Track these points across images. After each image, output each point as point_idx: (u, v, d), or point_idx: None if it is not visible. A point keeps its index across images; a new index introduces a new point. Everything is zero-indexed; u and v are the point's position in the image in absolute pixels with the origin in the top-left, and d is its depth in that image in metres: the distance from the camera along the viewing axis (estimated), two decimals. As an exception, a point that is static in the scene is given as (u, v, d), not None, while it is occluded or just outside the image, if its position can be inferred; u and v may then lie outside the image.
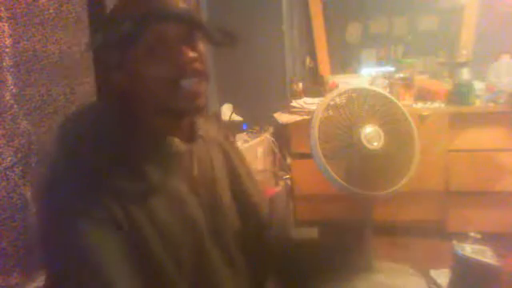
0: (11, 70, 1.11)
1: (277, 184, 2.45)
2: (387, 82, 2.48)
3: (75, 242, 0.62)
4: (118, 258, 0.63)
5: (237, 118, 2.57)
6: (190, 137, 0.78)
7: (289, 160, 2.53)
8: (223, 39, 0.75)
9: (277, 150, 2.49)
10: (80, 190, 0.63)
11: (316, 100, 2.41)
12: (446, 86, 2.40)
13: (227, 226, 0.81)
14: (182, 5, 0.71)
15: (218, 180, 0.82)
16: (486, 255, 0.92)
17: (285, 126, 2.46)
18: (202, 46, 0.73)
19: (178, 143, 0.73)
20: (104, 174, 0.65)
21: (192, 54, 0.70)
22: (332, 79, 2.70)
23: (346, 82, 2.51)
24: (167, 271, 0.67)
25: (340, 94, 1.75)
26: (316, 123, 1.68)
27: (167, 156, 0.73)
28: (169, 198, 0.70)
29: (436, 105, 2.32)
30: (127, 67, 0.70)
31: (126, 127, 0.71)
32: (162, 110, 0.72)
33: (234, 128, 2.40)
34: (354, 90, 1.76)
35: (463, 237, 0.98)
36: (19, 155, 1.11)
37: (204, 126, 0.83)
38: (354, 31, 2.90)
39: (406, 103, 2.27)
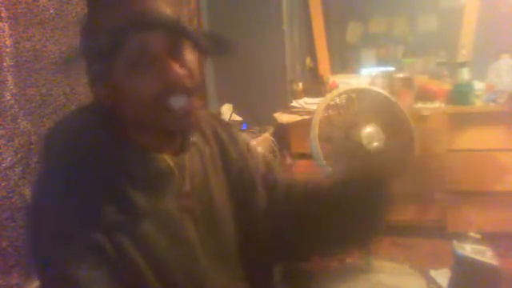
0: (11, 69, 1.11)
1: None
2: (387, 81, 2.48)
3: (62, 276, 0.59)
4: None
5: (237, 117, 2.56)
6: (182, 148, 0.73)
7: (289, 160, 2.53)
8: (214, 48, 0.68)
9: (277, 150, 2.49)
10: (64, 220, 0.60)
11: (316, 100, 2.41)
12: (446, 85, 2.40)
13: (225, 239, 0.77)
14: (166, 11, 0.62)
15: (213, 190, 0.77)
16: (485, 255, 0.92)
17: (285, 126, 2.46)
18: (191, 56, 0.66)
19: (166, 159, 0.69)
20: (89, 202, 0.61)
21: (179, 70, 0.62)
22: (332, 79, 2.70)
23: (346, 82, 2.51)
24: None
25: (340, 94, 1.75)
26: (316, 123, 1.68)
27: (155, 174, 0.68)
28: (158, 219, 0.66)
29: (436, 105, 2.32)
30: (109, 82, 0.63)
31: (111, 144, 0.66)
32: (148, 129, 0.67)
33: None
34: (354, 90, 1.76)
35: (463, 237, 0.98)
36: (19, 155, 1.11)
37: (200, 125, 0.79)
38: (354, 31, 2.89)
39: (406, 103, 2.26)
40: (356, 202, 0.78)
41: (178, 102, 0.63)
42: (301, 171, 2.44)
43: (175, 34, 0.63)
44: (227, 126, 0.90)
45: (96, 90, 0.67)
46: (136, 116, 0.65)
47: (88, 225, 0.60)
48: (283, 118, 2.44)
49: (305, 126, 1.83)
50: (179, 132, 0.70)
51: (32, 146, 1.15)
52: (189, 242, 0.70)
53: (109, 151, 0.65)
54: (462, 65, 2.27)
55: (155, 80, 0.62)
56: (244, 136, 0.90)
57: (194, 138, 0.75)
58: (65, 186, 0.62)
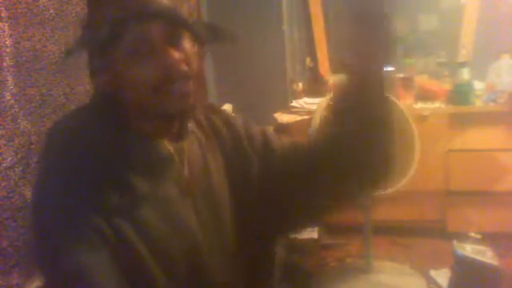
0: (11, 69, 1.11)
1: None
2: (387, 82, 2.48)
3: (64, 262, 0.60)
4: (108, 274, 0.61)
5: (237, 117, 2.56)
6: (181, 134, 0.74)
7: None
8: (211, 36, 0.70)
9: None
10: (65, 208, 0.62)
11: (316, 100, 2.41)
12: (445, 85, 2.40)
13: (224, 223, 0.78)
14: (164, 2, 0.65)
15: (212, 175, 0.78)
16: (485, 255, 0.92)
17: (285, 126, 2.46)
18: (188, 44, 0.68)
19: (166, 145, 0.71)
20: (89, 188, 0.63)
21: (177, 55, 0.65)
22: (332, 79, 2.69)
23: (346, 82, 2.50)
24: (160, 283, 0.65)
25: (340, 94, 1.75)
26: (316, 123, 1.68)
27: (156, 160, 0.70)
28: (159, 205, 0.68)
29: (436, 105, 2.32)
30: (110, 71, 0.66)
31: (111, 132, 0.68)
32: (148, 114, 0.69)
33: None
34: (354, 90, 1.76)
35: (463, 237, 0.98)
36: (19, 155, 1.11)
37: (198, 115, 0.80)
38: (354, 31, 2.89)
39: (406, 103, 2.27)
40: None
41: (175, 86, 0.66)
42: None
43: (173, 23, 0.66)
44: (221, 111, 0.91)
45: (97, 80, 0.69)
46: (136, 102, 0.67)
47: (89, 210, 0.62)
48: (283, 117, 2.44)
49: (305, 125, 1.83)
50: (178, 115, 0.71)
51: (32, 146, 1.15)
52: (189, 227, 0.71)
53: (109, 138, 0.67)
54: (462, 65, 2.27)
55: (154, 66, 0.64)
56: (239, 119, 0.89)
57: (192, 125, 0.77)
58: (66, 173, 0.64)
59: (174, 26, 0.66)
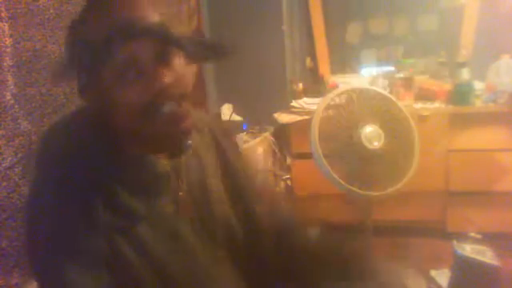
0: (11, 69, 1.11)
1: (277, 184, 2.45)
2: (387, 81, 2.48)
3: (58, 280, 0.59)
4: None
5: (237, 117, 2.57)
6: (178, 152, 0.71)
7: (289, 160, 2.53)
8: (204, 54, 0.66)
9: (277, 150, 2.49)
10: (60, 223, 0.60)
11: (316, 100, 2.41)
12: (446, 86, 2.40)
13: (224, 241, 0.77)
14: (154, 18, 0.61)
15: (210, 191, 0.77)
16: (485, 255, 0.92)
17: (285, 126, 2.46)
18: (179, 62, 0.64)
19: (161, 163, 0.69)
20: (85, 204, 0.61)
21: (168, 77, 0.61)
22: (332, 79, 2.70)
23: (346, 82, 2.51)
24: None
25: (340, 94, 1.75)
26: (316, 123, 1.68)
27: (152, 178, 0.68)
28: (155, 224, 0.66)
29: (436, 105, 2.32)
30: (98, 91, 0.63)
31: (107, 148, 0.65)
32: (139, 136, 0.65)
33: (234, 128, 2.40)
34: (354, 90, 1.76)
35: (463, 237, 0.98)
36: (19, 155, 1.11)
37: (198, 125, 0.79)
38: (354, 31, 2.89)
39: (406, 103, 2.27)
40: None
41: (166, 109, 0.62)
42: (301, 171, 2.44)
43: (162, 41, 0.62)
44: (227, 132, 0.91)
45: (86, 97, 0.66)
46: (126, 123, 0.64)
47: (84, 228, 0.60)
48: (283, 117, 2.44)
49: (305, 125, 1.83)
50: (172, 137, 0.67)
51: (32, 146, 1.15)
52: (186, 245, 0.69)
53: (104, 156, 0.65)
54: (462, 65, 2.27)
55: (143, 89, 0.61)
56: (241, 147, 0.90)
57: (191, 141, 0.74)
58: (60, 190, 0.61)
59: (165, 44, 0.62)
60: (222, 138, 0.85)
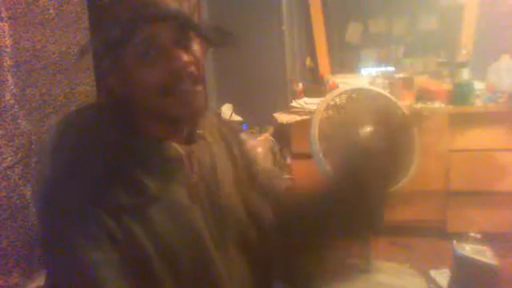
0: (11, 69, 1.11)
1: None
2: (387, 81, 2.48)
3: (72, 259, 0.61)
4: (115, 273, 0.61)
5: (237, 117, 2.57)
6: (190, 138, 0.75)
7: (289, 160, 2.53)
8: (219, 39, 0.71)
9: (277, 150, 2.49)
10: (75, 204, 0.62)
11: (316, 100, 2.41)
12: (445, 85, 2.40)
13: (231, 229, 0.78)
14: (173, 4, 0.66)
15: (220, 180, 0.79)
16: (485, 255, 0.92)
17: (285, 126, 2.46)
18: (196, 47, 0.69)
19: (175, 148, 0.71)
20: (100, 187, 0.63)
21: (186, 58, 0.66)
22: (332, 79, 2.70)
23: (345, 82, 2.51)
24: (167, 283, 0.66)
25: (340, 94, 1.76)
26: (316, 123, 1.68)
27: (165, 162, 0.70)
28: (167, 207, 0.68)
29: (436, 105, 2.32)
30: (119, 72, 0.67)
31: (121, 134, 0.68)
32: (157, 117, 0.69)
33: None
34: (354, 90, 1.76)
35: (463, 237, 0.98)
36: (19, 155, 1.11)
37: (209, 123, 0.81)
38: (354, 31, 2.89)
39: (406, 103, 2.27)
40: (348, 209, 0.79)
41: (184, 89, 0.66)
42: (301, 171, 2.44)
43: (182, 25, 0.66)
44: (231, 126, 0.93)
45: (107, 82, 0.69)
46: (145, 104, 0.67)
47: (98, 208, 0.62)
48: (283, 117, 2.44)
49: (305, 125, 1.83)
50: (187, 118, 0.71)
51: (32, 146, 1.15)
52: (196, 230, 0.71)
53: (120, 139, 0.67)
54: (462, 65, 2.27)
55: (163, 68, 0.65)
56: (245, 139, 0.92)
57: (202, 131, 0.77)
58: (75, 170, 0.64)
59: (184, 28, 0.66)
60: (231, 136, 0.87)
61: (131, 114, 0.70)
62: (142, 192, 0.66)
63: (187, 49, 0.67)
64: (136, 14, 0.63)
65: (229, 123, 0.96)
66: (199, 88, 0.69)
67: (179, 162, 0.72)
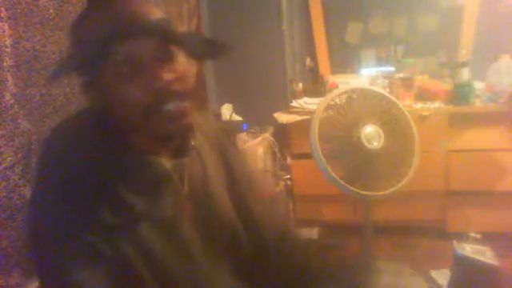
0: (11, 70, 1.11)
1: (277, 184, 2.45)
2: (387, 81, 2.48)
3: (58, 276, 0.59)
4: None
5: (237, 118, 2.57)
6: (181, 151, 0.72)
7: (289, 160, 2.53)
8: (206, 51, 0.67)
9: (277, 150, 2.49)
10: (62, 225, 0.60)
11: (316, 100, 2.41)
12: (445, 85, 2.40)
13: (225, 242, 0.77)
14: (152, 16, 0.61)
15: (212, 192, 0.77)
16: (485, 255, 0.92)
17: (285, 126, 2.46)
18: (182, 60, 0.64)
19: (163, 163, 0.68)
20: (85, 206, 0.61)
21: (167, 76, 0.61)
22: (332, 79, 2.70)
23: (346, 82, 2.51)
24: None
25: (340, 94, 1.76)
26: (316, 123, 1.68)
27: (153, 178, 0.67)
28: (156, 224, 0.66)
29: (436, 105, 2.32)
30: (99, 89, 0.63)
31: (109, 149, 0.65)
32: (142, 132, 0.66)
33: (234, 128, 2.40)
34: (354, 90, 1.76)
35: (463, 237, 0.98)
36: (19, 155, 1.11)
37: (202, 130, 0.79)
38: (353, 31, 2.89)
39: (406, 103, 2.27)
40: None
41: (168, 107, 0.62)
42: (301, 171, 2.44)
43: (162, 39, 0.62)
44: (227, 131, 0.91)
45: (88, 97, 0.66)
46: (128, 122, 0.64)
47: (86, 227, 0.60)
48: (283, 117, 2.44)
49: (305, 126, 1.83)
50: (172, 136, 0.68)
51: (32, 146, 1.15)
52: (187, 246, 0.69)
53: (106, 155, 0.65)
54: (462, 65, 2.27)
55: (144, 87, 0.61)
56: (241, 151, 0.91)
57: (194, 141, 0.75)
58: (63, 188, 0.62)
59: (166, 42, 0.62)
60: (227, 143, 0.86)
61: (116, 131, 0.66)
62: (130, 210, 0.64)
63: (170, 63, 0.63)
64: (113, 30, 0.59)
65: (224, 127, 0.93)
66: (185, 104, 0.65)
67: (167, 177, 0.69)
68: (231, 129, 2.31)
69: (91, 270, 0.59)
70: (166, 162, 0.70)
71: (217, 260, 0.74)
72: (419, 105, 2.35)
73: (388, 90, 2.34)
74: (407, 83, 2.39)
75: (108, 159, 0.65)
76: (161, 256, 0.65)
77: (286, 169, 2.52)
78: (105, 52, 0.59)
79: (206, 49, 0.67)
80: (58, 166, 0.64)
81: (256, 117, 2.57)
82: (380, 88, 2.18)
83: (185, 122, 0.66)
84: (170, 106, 0.62)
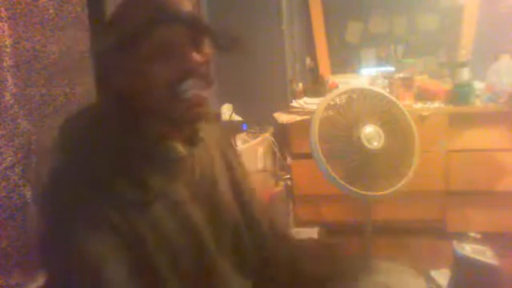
0: (11, 70, 1.11)
1: (277, 184, 2.45)
2: (387, 81, 2.48)
3: (75, 251, 0.61)
4: (118, 266, 0.62)
5: (237, 118, 2.57)
6: (192, 140, 0.76)
7: (289, 160, 2.53)
8: (229, 45, 0.73)
9: (277, 150, 2.49)
10: (80, 199, 0.63)
11: (316, 100, 2.41)
12: (445, 85, 2.40)
13: (230, 229, 0.80)
14: (187, 8, 0.69)
15: (219, 183, 0.81)
16: (485, 255, 0.92)
17: (285, 126, 2.46)
18: (208, 51, 0.71)
19: (178, 148, 0.72)
20: (104, 182, 0.64)
21: (199, 58, 0.68)
22: (332, 79, 2.70)
23: (346, 82, 2.51)
24: (168, 279, 0.67)
25: (340, 94, 1.76)
26: (316, 123, 1.68)
27: (168, 161, 0.72)
28: (169, 204, 0.69)
29: (436, 105, 2.32)
30: (129, 69, 0.68)
31: (126, 132, 0.69)
32: (162, 116, 0.70)
33: (234, 128, 2.40)
34: (354, 90, 1.76)
35: (463, 237, 0.98)
36: (19, 155, 1.11)
37: (206, 128, 0.82)
38: (354, 31, 2.89)
39: (406, 103, 2.27)
40: None
41: (192, 87, 0.68)
42: (301, 171, 2.44)
43: (195, 28, 0.69)
44: (227, 133, 0.96)
45: (113, 81, 0.70)
46: (152, 103, 0.68)
47: (104, 201, 0.63)
48: (283, 117, 2.44)
49: (305, 126, 1.83)
50: (190, 120, 0.72)
51: (32, 146, 1.15)
52: (197, 228, 0.72)
53: (123, 139, 0.69)
54: (462, 65, 2.27)
55: (176, 66, 0.67)
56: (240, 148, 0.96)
57: (202, 134, 0.79)
58: (83, 167, 0.65)
59: (198, 31, 0.69)
60: (227, 144, 0.91)
61: (135, 114, 0.70)
62: (146, 189, 0.67)
63: (199, 51, 0.69)
64: (153, 15, 0.65)
65: (224, 128, 0.99)
66: (206, 92, 0.70)
67: (181, 161, 0.73)
68: (231, 129, 2.30)
69: (107, 242, 0.62)
70: (180, 149, 0.73)
71: (222, 245, 0.77)
72: (419, 105, 2.34)
73: (388, 90, 2.34)
74: (407, 83, 2.39)
75: (126, 141, 0.69)
76: (172, 237, 0.68)
77: (286, 169, 2.52)
78: (146, 32, 0.65)
79: (228, 42, 0.72)
80: (76, 147, 0.68)
81: (256, 117, 2.57)
82: (380, 88, 2.18)
83: (202, 110, 0.70)
84: (191, 91, 0.68)
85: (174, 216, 0.69)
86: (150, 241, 0.65)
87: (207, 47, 0.71)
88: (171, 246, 0.68)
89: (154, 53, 0.66)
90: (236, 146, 0.82)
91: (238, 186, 0.87)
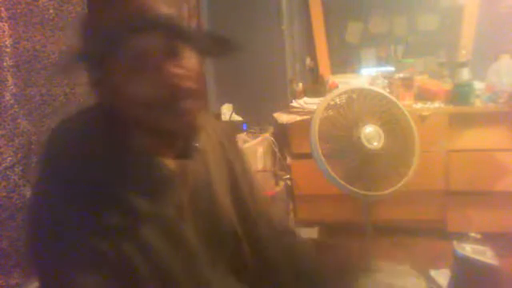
0: (11, 70, 1.11)
1: (277, 184, 2.45)
2: (387, 81, 2.48)
3: (60, 279, 0.59)
4: None
5: (237, 117, 2.57)
6: (185, 152, 0.71)
7: (289, 160, 2.53)
8: (216, 48, 0.66)
9: (277, 150, 2.49)
10: (64, 223, 0.59)
11: (316, 100, 2.41)
12: (445, 85, 2.40)
13: (227, 246, 0.77)
14: (164, 11, 0.60)
15: (216, 192, 0.76)
16: (485, 255, 0.92)
17: (285, 126, 2.46)
18: (193, 57, 0.63)
19: (167, 164, 0.68)
20: (89, 208, 0.59)
21: (178, 71, 0.60)
22: (332, 79, 2.70)
23: (346, 82, 2.51)
24: None
25: (340, 94, 1.76)
26: (316, 123, 1.69)
27: (156, 179, 0.66)
28: (159, 226, 0.65)
29: (436, 105, 2.32)
30: (108, 84, 0.62)
31: (113, 148, 0.64)
32: (149, 130, 0.64)
33: (234, 128, 2.40)
34: (354, 90, 1.76)
35: (463, 237, 0.98)
36: (19, 155, 1.11)
37: (205, 127, 0.78)
38: (354, 31, 2.90)
39: (406, 103, 2.27)
40: None
41: (178, 104, 0.61)
42: (301, 171, 2.44)
43: (174, 35, 0.60)
44: (228, 131, 0.90)
45: (96, 92, 0.65)
46: (136, 118, 0.63)
47: (88, 229, 0.59)
48: (283, 118, 2.44)
49: (305, 126, 1.83)
50: (180, 134, 0.68)
51: (32, 146, 1.15)
52: (189, 248, 0.69)
53: (110, 155, 0.64)
54: (462, 65, 2.27)
55: (154, 83, 0.60)
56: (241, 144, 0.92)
57: (198, 143, 0.73)
58: (65, 189, 0.60)
59: (175, 37, 0.61)
60: (228, 143, 0.85)
61: (121, 128, 0.65)
62: (133, 213, 0.63)
63: (180, 60, 0.61)
64: (125, 24, 0.58)
65: (226, 127, 0.93)
66: (194, 102, 0.63)
67: (171, 180, 0.68)
68: (231, 129, 2.30)
69: (93, 273, 0.58)
70: (170, 163, 0.69)
71: (218, 263, 0.74)
72: (419, 105, 2.34)
73: (388, 90, 2.34)
74: (407, 83, 2.39)
75: (112, 159, 0.64)
76: (163, 258, 0.64)
77: (286, 169, 2.52)
78: (117, 45, 0.58)
79: (215, 46, 0.66)
80: (61, 165, 0.62)
81: (256, 117, 2.57)
82: (380, 88, 2.18)
83: (192, 121, 0.64)
84: (181, 104, 0.61)
85: (164, 237, 0.65)
86: (141, 265, 0.61)
87: (192, 54, 0.63)
88: (162, 268, 0.64)
89: (129, 67, 0.59)
90: (237, 142, 0.81)
91: (238, 188, 0.83)
